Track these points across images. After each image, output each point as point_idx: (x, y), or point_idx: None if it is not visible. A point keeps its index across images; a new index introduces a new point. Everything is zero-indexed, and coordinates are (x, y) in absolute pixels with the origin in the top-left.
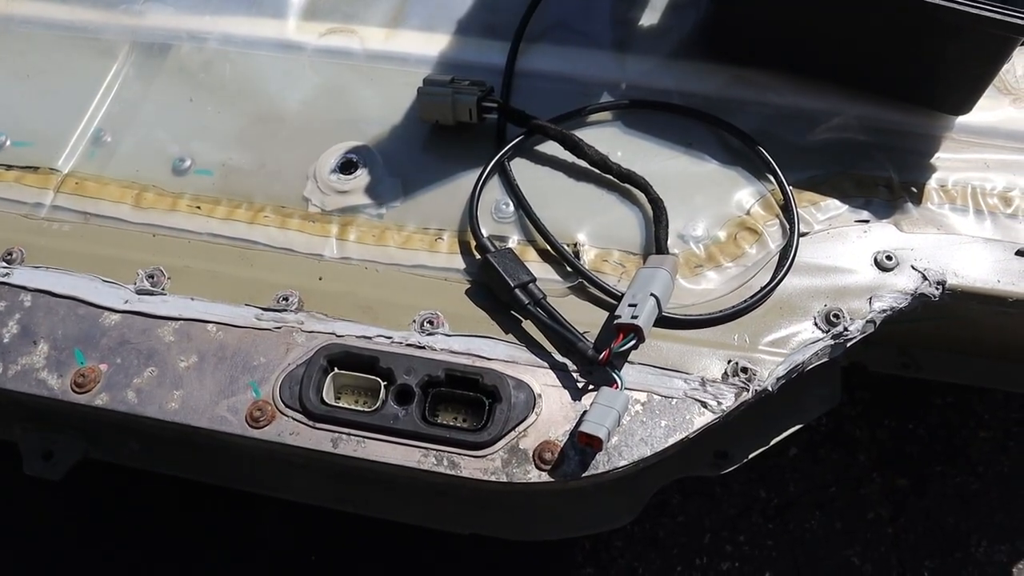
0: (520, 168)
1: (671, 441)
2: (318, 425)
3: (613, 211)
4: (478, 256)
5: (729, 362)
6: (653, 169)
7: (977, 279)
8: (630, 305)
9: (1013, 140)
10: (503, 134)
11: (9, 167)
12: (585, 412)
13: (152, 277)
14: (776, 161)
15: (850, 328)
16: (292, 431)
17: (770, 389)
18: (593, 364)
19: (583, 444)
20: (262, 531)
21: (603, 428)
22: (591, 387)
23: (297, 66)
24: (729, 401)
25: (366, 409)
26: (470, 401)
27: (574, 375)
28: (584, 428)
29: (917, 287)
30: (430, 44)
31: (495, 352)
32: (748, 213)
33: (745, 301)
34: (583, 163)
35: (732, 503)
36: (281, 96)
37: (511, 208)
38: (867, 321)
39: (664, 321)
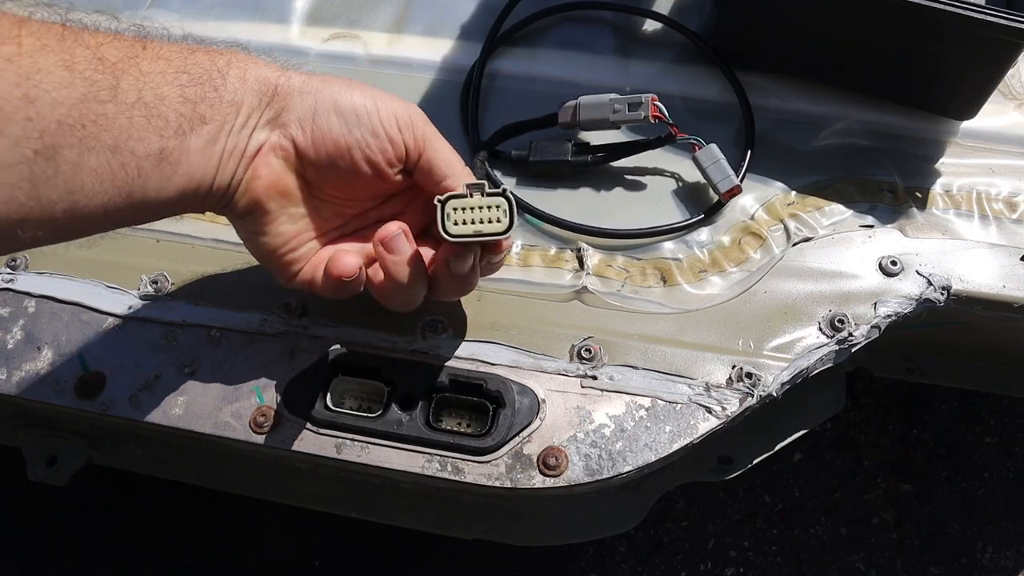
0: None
1: (676, 446)
2: (322, 431)
3: (618, 216)
4: None
5: (734, 367)
6: (657, 174)
7: (982, 284)
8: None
9: (1018, 145)
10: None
11: None
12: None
13: (156, 283)
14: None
15: (855, 333)
16: (296, 437)
17: (775, 394)
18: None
19: (727, 199)
20: (265, 537)
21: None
22: (595, 393)
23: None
24: (734, 406)
25: (370, 415)
26: (474, 406)
27: (578, 380)
28: (721, 186)
29: (922, 292)
30: (434, 49)
31: (499, 357)
32: (752, 218)
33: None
34: (587, 168)
35: (736, 508)
36: None
37: None
38: (872, 326)
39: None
